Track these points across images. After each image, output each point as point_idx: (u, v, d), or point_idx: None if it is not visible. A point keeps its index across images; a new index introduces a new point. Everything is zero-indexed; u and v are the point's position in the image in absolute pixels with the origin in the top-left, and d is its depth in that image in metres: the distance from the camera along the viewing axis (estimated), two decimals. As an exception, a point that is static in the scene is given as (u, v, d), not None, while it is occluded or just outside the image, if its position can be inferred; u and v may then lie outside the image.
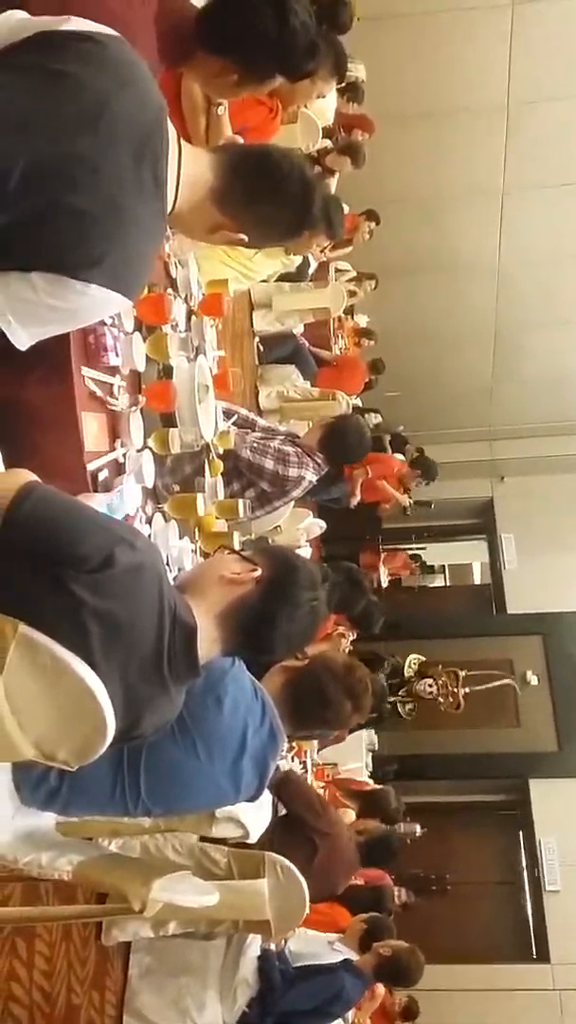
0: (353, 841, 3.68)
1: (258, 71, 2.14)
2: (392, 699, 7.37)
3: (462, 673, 7.81)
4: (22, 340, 1.53)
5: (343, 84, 5.16)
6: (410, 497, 8.08)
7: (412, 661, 7.95)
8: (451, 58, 6.92)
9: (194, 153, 1.66)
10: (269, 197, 1.71)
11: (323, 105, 5.07)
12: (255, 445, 3.22)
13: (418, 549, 10.56)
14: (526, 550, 9.91)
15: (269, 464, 3.22)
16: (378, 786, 5.53)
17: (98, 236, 1.48)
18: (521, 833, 8.64)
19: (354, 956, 3.72)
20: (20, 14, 1.58)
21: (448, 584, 11.82)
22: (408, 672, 7.91)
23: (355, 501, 7.34)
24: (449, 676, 7.79)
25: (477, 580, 11.77)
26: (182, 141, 1.64)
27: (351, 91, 5.99)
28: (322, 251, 5.52)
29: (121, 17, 1.86)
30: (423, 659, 8.07)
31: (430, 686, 7.74)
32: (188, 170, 1.62)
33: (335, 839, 3.30)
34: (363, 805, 4.95)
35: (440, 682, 7.74)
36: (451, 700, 7.72)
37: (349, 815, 4.76)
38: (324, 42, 3.36)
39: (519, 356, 9.57)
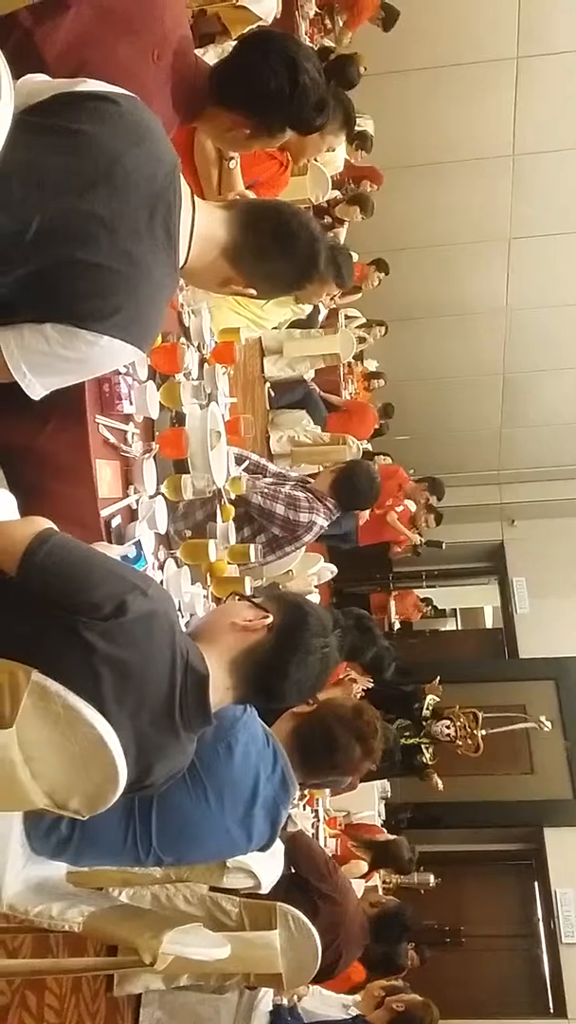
0: (363, 913, 3.54)
1: (269, 126, 2.19)
2: (411, 742, 7.07)
3: (481, 714, 7.37)
4: (36, 391, 1.56)
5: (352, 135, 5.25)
6: (421, 536, 8.03)
7: (428, 702, 7.76)
8: (457, 110, 7.08)
9: (207, 209, 1.70)
10: (279, 254, 1.76)
11: (332, 155, 5.18)
12: (266, 491, 3.24)
13: (428, 589, 10.49)
14: (538, 594, 9.85)
15: (280, 509, 3.23)
16: (392, 836, 5.43)
17: (111, 289, 1.51)
18: (536, 884, 8.47)
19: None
20: (39, 77, 1.63)
21: (459, 628, 11.75)
22: (425, 712, 7.70)
23: (363, 519, 7.21)
24: (467, 717, 7.32)
25: (489, 624, 11.69)
26: (195, 198, 1.68)
27: (360, 139, 6.12)
28: (332, 299, 5.59)
29: (137, 74, 1.91)
30: (438, 699, 7.86)
31: (448, 727, 7.22)
32: (200, 226, 1.66)
33: (341, 907, 3.18)
34: (376, 856, 4.86)
35: (458, 724, 7.28)
36: (470, 743, 7.21)
37: (361, 866, 4.68)
38: (333, 98, 3.43)
39: (527, 400, 9.62)
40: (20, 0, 1.84)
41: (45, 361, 1.53)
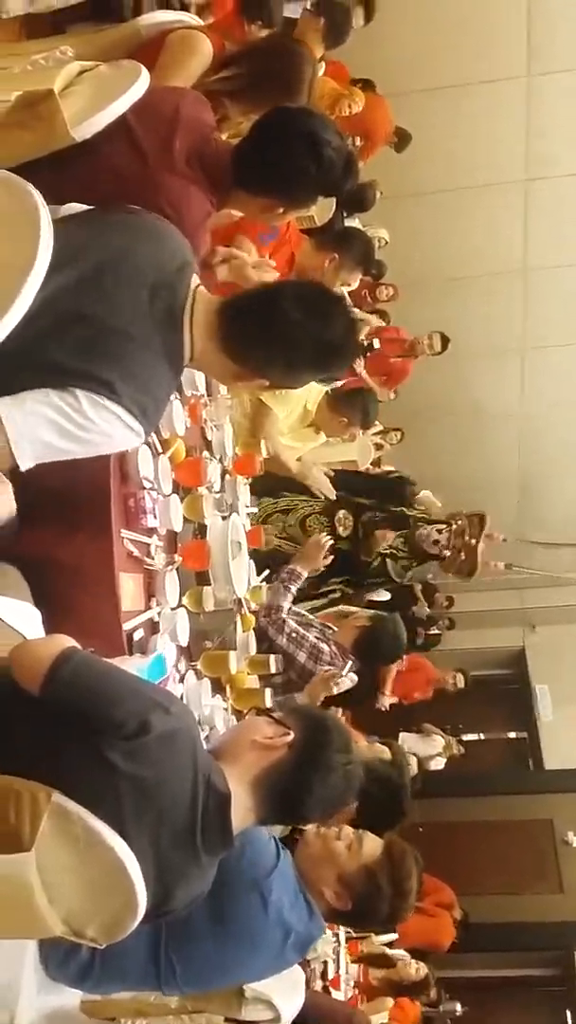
0: None
1: (301, 202, 2.21)
2: (383, 552, 4.55)
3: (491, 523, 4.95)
4: (25, 461, 1.55)
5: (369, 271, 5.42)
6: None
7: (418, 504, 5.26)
8: (469, 229, 7.38)
9: (206, 303, 1.75)
10: (266, 339, 1.75)
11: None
12: (293, 635, 3.22)
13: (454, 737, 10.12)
14: (562, 702, 9.64)
15: (302, 657, 3.19)
16: (415, 966, 5.14)
17: (112, 358, 1.59)
18: (569, 1012, 8.02)
19: None
20: (77, 207, 1.75)
21: (481, 737, 11.46)
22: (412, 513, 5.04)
23: (387, 701, 7.16)
24: (471, 521, 4.85)
25: (512, 733, 11.40)
26: (201, 290, 1.75)
27: (375, 276, 6.33)
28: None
29: (163, 185, 1.97)
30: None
31: (438, 532, 4.67)
32: (199, 315, 1.72)
33: None
34: (400, 992, 4.69)
35: (455, 526, 4.74)
36: (463, 556, 4.74)
37: (387, 1003, 4.51)
38: (352, 237, 3.59)
39: (544, 504, 9.65)
40: (32, 149, 1.84)
41: (43, 428, 1.54)
